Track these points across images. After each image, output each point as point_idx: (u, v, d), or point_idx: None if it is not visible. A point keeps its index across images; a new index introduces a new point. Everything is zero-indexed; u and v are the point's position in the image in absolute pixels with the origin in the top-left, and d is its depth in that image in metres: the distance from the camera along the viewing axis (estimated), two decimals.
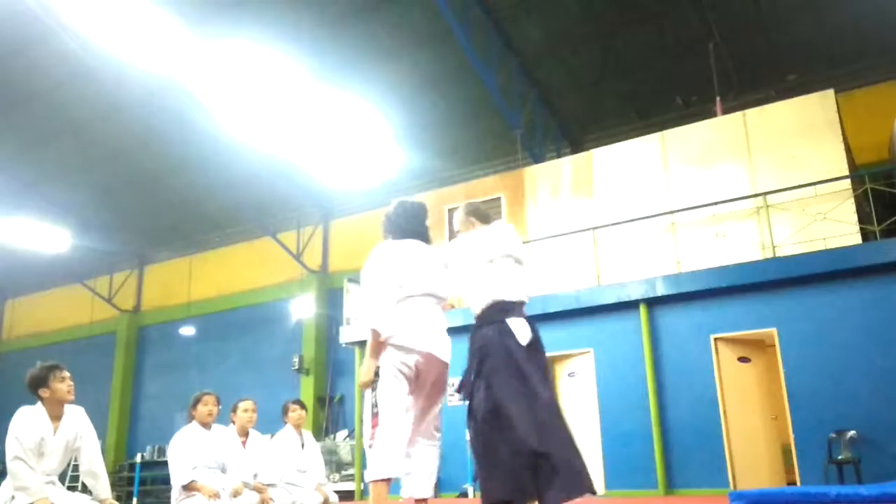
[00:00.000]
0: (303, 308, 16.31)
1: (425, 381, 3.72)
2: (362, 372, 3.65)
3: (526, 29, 11.80)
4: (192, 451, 5.30)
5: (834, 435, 7.78)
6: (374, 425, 3.70)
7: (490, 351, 3.64)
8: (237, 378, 16.15)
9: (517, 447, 3.39)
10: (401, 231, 3.93)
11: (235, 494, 5.33)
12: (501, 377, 3.58)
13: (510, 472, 3.37)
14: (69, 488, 4.69)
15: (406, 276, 3.73)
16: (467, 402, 3.72)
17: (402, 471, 3.68)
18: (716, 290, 8.87)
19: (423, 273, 3.79)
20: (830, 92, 9.26)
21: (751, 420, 8.77)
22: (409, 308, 3.70)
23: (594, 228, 10.10)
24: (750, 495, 4.65)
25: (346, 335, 11.69)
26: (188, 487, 5.20)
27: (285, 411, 6.50)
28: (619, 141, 11.08)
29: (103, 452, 5.24)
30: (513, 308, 3.75)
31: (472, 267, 3.84)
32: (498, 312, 3.71)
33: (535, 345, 3.71)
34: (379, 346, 3.63)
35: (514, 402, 3.50)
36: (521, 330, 3.66)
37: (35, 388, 4.26)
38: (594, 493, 3.46)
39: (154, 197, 16.67)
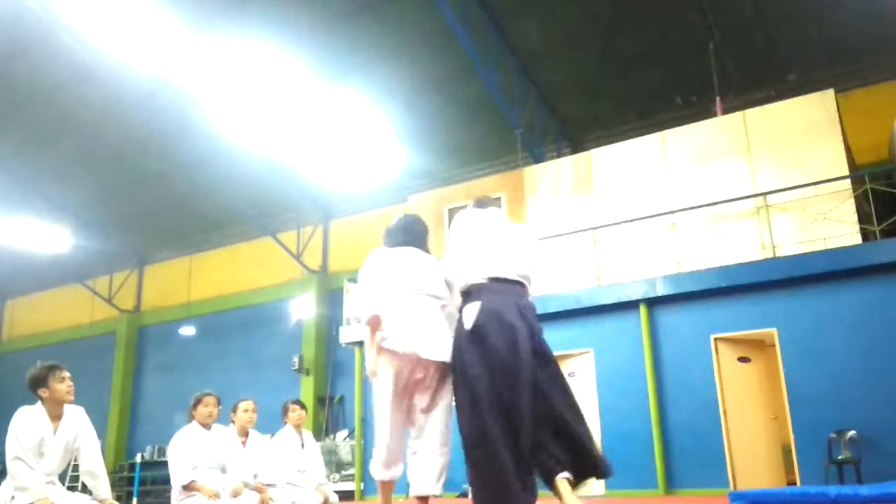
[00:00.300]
0: (303, 308, 16.30)
1: (419, 381, 3.67)
2: (367, 364, 3.65)
3: (526, 29, 11.80)
4: (192, 452, 5.30)
5: (834, 435, 7.78)
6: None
7: (452, 352, 3.60)
8: (237, 378, 16.14)
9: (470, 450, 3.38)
10: (394, 241, 3.95)
11: (235, 494, 5.34)
12: (453, 378, 3.58)
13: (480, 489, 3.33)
14: (69, 488, 4.70)
15: (394, 275, 3.73)
16: None
17: (393, 474, 3.69)
18: (716, 290, 8.88)
19: (412, 272, 3.76)
20: (830, 92, 9.26)
21: (751, 420, 8.77)
22: (397, 307, 3.66)
23: (594, 228, 10.10)
24: (750, 495, 4.66)
25: (345, 335, 11.70)
26: (188, 487, 5.20)
27: (285, 411, 6.50)
28: (619, 141, 11.08)
29: (103, 452, 5.25)
30: (471, 293, 3.58)
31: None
32: (463, 301, 3.63)
33: (485, 328, 3.39)
34: (375, 335, 3.60)
35: (459, 408, 3.47)
36: (468, 314, 3.47)
37: (34, 388, 4.26)
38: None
39: (154, 197, 16.66)
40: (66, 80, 12.46)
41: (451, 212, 11.67)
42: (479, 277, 3.55)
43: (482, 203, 3.98)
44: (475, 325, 3.39)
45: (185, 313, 18.78)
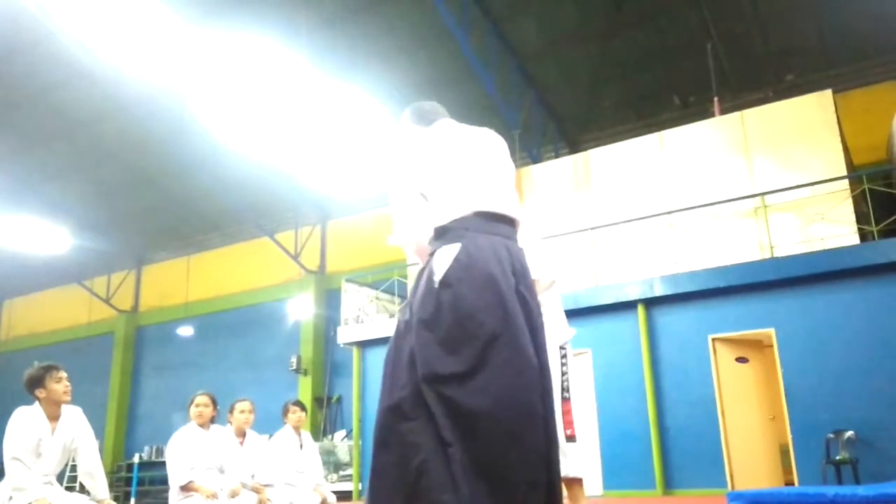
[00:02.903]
0: (301, 308, 16.30)
1: None
2: None
3: (524, 29, 11.80)
4: (190, 452, 5.30)
5: (832, 435, 7.78)
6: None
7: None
8: (235, 378, 16.13)
9: None
10: None
11: (233, 495, 5.33)
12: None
13: None
14: (67, 488, 4.70)
15: None
16: None
17: None
18: (714, 290, 8.88)
19: None
20: (828, 92, 9.28)
21: (749, 420, 8.78)
22: None
23: (592, 228, 10.11)
24: (748, 496, 4.66)
25: (343, 335, 11.69)
26: (186, 488, 5.19)
27: (285, 412, 6.50)
28: (617, 141, 11.09)
29: (101, 453, 5.25)
30: (448, 231, 2.48)
31: None
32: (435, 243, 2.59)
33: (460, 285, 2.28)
34: None
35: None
36: (441, 262, 2.39)
37: (32, 388, 4.26)
38: None
39: (152, 197, 16.65)
40: (64, 80, 12.43)
41: None
42: (464, 210, 2.41)
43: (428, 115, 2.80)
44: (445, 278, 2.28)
45: (183, 313, 18.77)
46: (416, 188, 2.48)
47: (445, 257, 2.28)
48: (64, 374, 4.34)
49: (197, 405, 5.49)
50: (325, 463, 10.93)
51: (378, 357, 11.33)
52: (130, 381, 19.45)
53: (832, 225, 8.63)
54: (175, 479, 5.22)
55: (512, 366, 2.13)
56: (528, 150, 13.14)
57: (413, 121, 2.78)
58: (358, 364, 11.53)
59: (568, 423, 3.33)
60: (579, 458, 3.29)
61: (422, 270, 2.36)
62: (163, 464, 5.84)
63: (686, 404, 8.77)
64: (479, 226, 2.35)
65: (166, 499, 5.52)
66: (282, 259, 16.77)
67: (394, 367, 2.25)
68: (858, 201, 8.91)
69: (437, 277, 2.26)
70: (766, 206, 9.04)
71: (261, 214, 16.61)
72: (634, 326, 9.23)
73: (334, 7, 11.12)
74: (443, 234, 2.36)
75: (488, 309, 2.18)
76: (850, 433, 7.71)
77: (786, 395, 8.25)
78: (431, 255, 2.35)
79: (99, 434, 16.54)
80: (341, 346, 12.07)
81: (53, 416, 4.29)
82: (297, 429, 6.46)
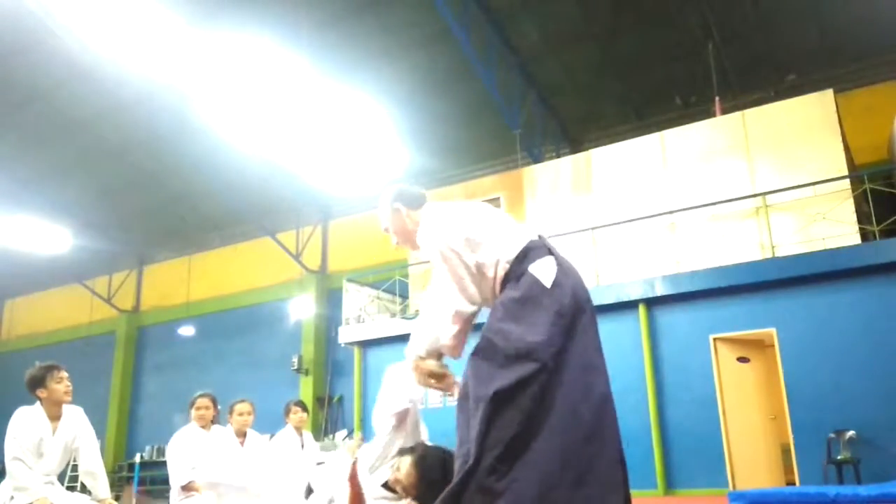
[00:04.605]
0: (302, 308, 16.30)
1: None
2: None
3: (525, 28, 11.79)
4: (191, 452, 5.30)
5: (833, 435, 7.78)
6: None
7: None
8: (236, 378, 16.14)
9: None
10: None
11: None
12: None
13: None
14: (68, 488, 4.70)
15: None
16: None
17: None
18: (715, 289, 8.88)
19: None
20: (829, 92, 9.27)
21: (750, 420, 8.78)
22: None
23: (593, 228, 10.10)
24: (749, 495, 4.67)
25: (344, 335, 11.69)
26: (187, 487, 5.20)
27: (287, 412, 6.51)
28: (618, 141, 11.09)
29: (102, 452, 5.24)
30: (531, 250, 2.81)
31: None
32: (522, 263, 2.88)
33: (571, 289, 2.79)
34: None
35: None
36: (546, 270, 2.76)
37: (33, 388, 4.27)
38: None
39: (153, 197, 16.65)
40: (64, 80, 12.44)
41: None
42: (533, 235, 2.78)
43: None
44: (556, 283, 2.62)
45: (184, 313, 18.78)
46: (469, 244, 2.69)
47: (548, 266, 2.65)
48: (65, 374, 4.35)
49: (198, 408, 5.48)
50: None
51: (379, 357, 11.34)
52: (132, 381, 19.47)
53: (833, 225, 8.62)
54: (176, 479, 5.22)
55: (587, 361, 2.71)
56: (529, 149, 13.13)
57: (405, 203, 3.19)
58: (359, 364, 11.53)
59: None
60: None
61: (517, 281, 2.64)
62: (164, 463, 5.84)
63: (687, 404, 8.77)
64: (550, 247, 2.76)
65: (167, 499, 5.52)
66: (283, 259, 16.77)
67: (493, 362, 2.51)
68: (860, 201, 8.90)
69: (548, 282, 2.61)
70: (767, 206, 9.04)
71: (262, 214, 16.61)
72: (635, 326, 9.23)
73: (334, 7, 11.11)
74: (527, 255, 2.68)
75: (578, 310, 2.67)
76: (851, 433, 7.70)
77: (787, 395, 8.25)
78: (520, 275, 2.63)
79: (100, 434, 16.56)
80: (342, 345, 12.07)
81: (54, 416, 4.30)
82: (298, 429, 6.48)
